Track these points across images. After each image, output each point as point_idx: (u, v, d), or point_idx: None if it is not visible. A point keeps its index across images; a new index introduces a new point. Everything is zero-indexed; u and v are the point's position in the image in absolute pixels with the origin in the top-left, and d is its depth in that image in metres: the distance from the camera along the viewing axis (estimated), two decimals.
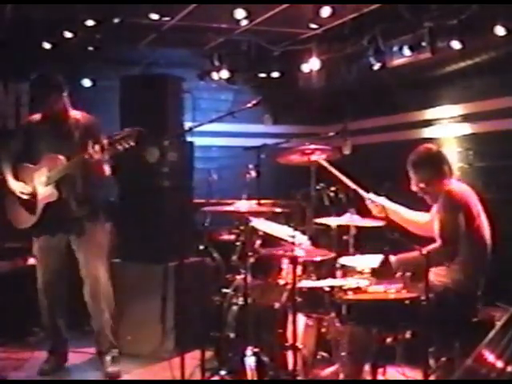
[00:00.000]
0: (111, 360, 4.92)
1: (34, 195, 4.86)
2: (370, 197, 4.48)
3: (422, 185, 4.22)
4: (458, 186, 4.22)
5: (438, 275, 4.04)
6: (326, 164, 4.51)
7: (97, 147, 4.52)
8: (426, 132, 6.61)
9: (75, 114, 4.93)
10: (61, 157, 4.71)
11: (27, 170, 4.91)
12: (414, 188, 4.29)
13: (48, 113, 4.90)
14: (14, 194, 4.88)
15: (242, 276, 4.42)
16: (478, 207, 4.11)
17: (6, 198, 4.97)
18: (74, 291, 4.99)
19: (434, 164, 4.22)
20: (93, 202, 4.92)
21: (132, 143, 4.52)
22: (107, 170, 4.80)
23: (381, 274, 3.98)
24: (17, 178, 4.92)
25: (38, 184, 4.84)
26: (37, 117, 5.00)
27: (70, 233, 4.87)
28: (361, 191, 4.50)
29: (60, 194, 4.76)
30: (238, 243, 4.81)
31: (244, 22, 6.01)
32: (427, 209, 4.42)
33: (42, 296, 4.98)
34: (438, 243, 4.05)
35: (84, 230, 4.85)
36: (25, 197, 4.85)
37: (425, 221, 4.44)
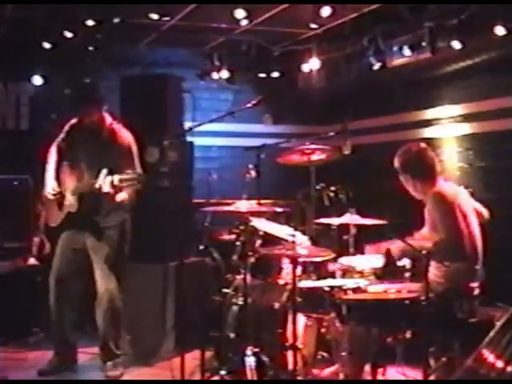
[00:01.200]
0: (112, 365, 4.92)
1: (62, 198, 4.96)
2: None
3: (410, 185, 4.21)
4: (446, 186, 4.18)
5: (435, 275, 4.03)
6: None
7: (107, 180, 4.56)
8: (426, 132, 6.61)
9: (115, 127, 4.97)
10: (89, 171, 4.78)
11: (66, 171, 5.02)
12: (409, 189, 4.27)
13: (83, 120, 4.97)
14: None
15: (242, 276, 4.42)
16: (466, 207, 4.08)
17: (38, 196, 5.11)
18: (83, 292, 5.00)
19: (420, 163, 4.18)
20: (112, 217, 4.96)
21: (139, 187, 4.61)
22: (123, 196, 4.79)
23: (384, 273, 3.98)
24: (58, 175, 5.03)
25: (68, 189, 4.94)
26: (77, 121, 5.07)
27: (87, 244, 4.94)
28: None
29: (80, 207, 4.85)
30: (237, 243, 4.81)
31: (244, 22, 6.01)
32: (423, 210, 4.40)
33: (52, 296, 4.98)
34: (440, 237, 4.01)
35: (99, 243, 4.91)
36: (50, 196, 4.97)
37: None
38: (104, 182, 4.58)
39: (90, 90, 5.03)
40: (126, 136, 4.96)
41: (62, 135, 5.14)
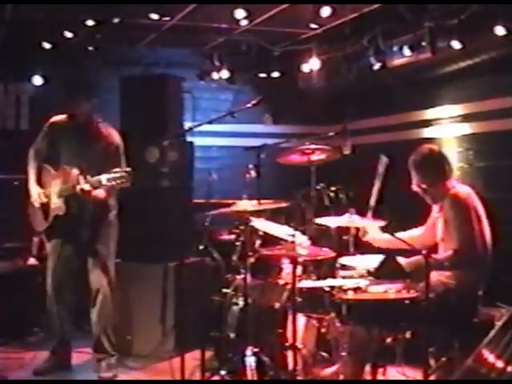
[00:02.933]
0: (107, 366, 4.90)
1: (48, 202, 4.90)
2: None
3: (424, 185, 4.20)
4: (462, 188, 4.20)
5: (440, 275, 4.03)
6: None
7: (86, 186, 4.55)
8: (426, 132, 6.61)
9: (101, 126, 4.94)
10: (75, 172, 4.71)
11: (47, 174, 4.96)
12: (414, 188, 4.28)
13: (72, 117, 4.93)
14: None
15: (242, 276, 4.42)
16: (481, 209, 4.10)
17: (29, 199, 5.00)
18: (80, 292, 4.99)
19: (437, 165, 4.20)
20: (102, 216, 4.95)
21: (128, 184, 4.55)
22: (101, 193, 4.77)
23: (384, 274, 3.98)
24: (39, 179, 4.97)
25: (53, 192, 4.89)
26: (61, 118, 5.01)
27: (78, 245, 4.93)
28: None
29: (68, 209, 4.80)
30: (237, 243, 4.81)
31: (244, 22, 6.01)
32: (423, 210, 4.40)
33: (50, 300, 4.98)
34: (449, 250, 4.01)
35: (89, 244, 4.90)
36: (37, 204, 4.89)
37: (418, 234, 4.43)
38: (84, 188, 4.56)
39: (79, 87, 4.94)
40: (112, 135, 4.94)
41: (40, 137, 5.05)
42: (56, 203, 4.85)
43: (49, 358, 5.04)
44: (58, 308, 4.98)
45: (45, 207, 4.92)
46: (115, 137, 4.95)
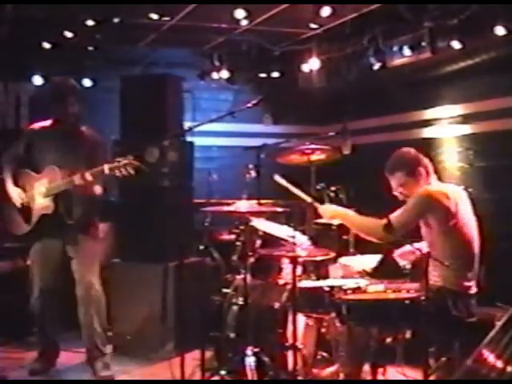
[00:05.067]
0: (103, 365, 4.86)
1: (30, 204, 4.85)
2: (320, 206, 4.37)
3: (400, 189, 4.19)
4: (437, 186, 4.17)
5: (433, 275, 4.02)
6: (281, 181, 4.47)
7: (88, 176, 4.54)
8: (426, 132, 6.62)
9: (83, 129, 4.93)
10: (62, 170, 4.70)
11: (28, 177, 4.90)
12: (394, 192, 4.25)
13: (56, 121, 4.91)
14: (10, 199, 4.88)
15: (242, 276, 4.42)
16: (457, 206, 4.05)
17: (4, 202, 4.94)
18: (69, 292, 4.97)
19: (408, 166, 4.16)
20: (89, 215, 4.92)
21: (131, 172, 4.51)
22: (98, 190, 4.77)
23: (381, 273, 3.98)
24: (17, 183, 4.91)
25: (37, 194, 4.83)
26: (42, 124, 4.98)
27: (65, 242, 4.88)
28: (313, 202, 4.41)
29: (56, 208, 4.75)
30: (237, 243, 4.81)
31: (244, 22, 6.02)
32: None
33: (36, 301, 4.94)
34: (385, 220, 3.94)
35: (77, 240, 4.84)
36: (19, 205, 4.84)
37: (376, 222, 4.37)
38: (86, 179, 4.54)
39: (65, 93, 4.89)
40: (95, 134, 4.94)
41: (16, 145, 5.00)
42: (42, 203, 4.79)
43: (37, 358, 5.02)
44: (43, 309, 4.93)
45: (25, 210, 4.85)
46: (97, 136, 4.95)
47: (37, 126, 5.02)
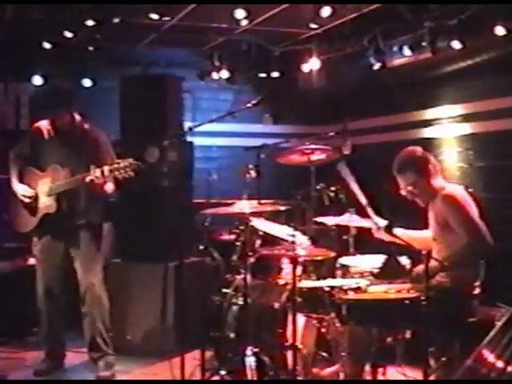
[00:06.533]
0: (104, 365, 4.87)
1: (36, 201, 4.86)
2: (376, 221, 4.32)
3: (409, 188, 4.19)
4: (454, 188, 4.19)
5: (440, 275, 4.02)
6: (344, 171, 4.31)
7: (98, 172, 4.53)
8: (426, 132, 6.62)
9: (84, 125, 4.94)
10: (65, 170, 4.72)
11: (33, 175, 4.92)
12: (403, 192, 4.26)
13: (55, 122, 4.92)
14: (16, 197, 4.89)
15: (242, 276, 4.42)
16: (474, 207, 4.08)
17: (11, 199, 4.97)
18: (73, 292, 4.98)
19: (417, 165, 4.18)
20: (91, 215, 4.91)
21: (131, 174, 4.51)
22: (111, 187, 4.77)
23: (385, 274, 3.97)
24: (21, 180, 4.93)
25: (41, 192, 4.85)
26: (44, 123, 4.99)
27: (67, 243, 4.89)
28: (367, 207, 4.37)
29: (59, 207, 4.77)
30: (237, 243, 4.81)
31: (244, 22, 6.01)
32: (423, 210, 4.39)
33: (42, 301, 4.95)
34: (443, 252, 4.01)
35: (79, 241, 4.85)
36: (27, 200, 4.86)
37: (427, 236, 4.40)
38: (95, 175, 4.52)
39: (60, 95, 4.91)
40: (99, 133, 4.94)
41: (21, 144, 5.03)
42: (45, 202, 4.81)
43: (44, 359, 5.02)
44: (49, 308, 4.95)
45: (31, 207, 4.87)
46: (101, 135, 4.94)
47: (41, 124, 5.02)
